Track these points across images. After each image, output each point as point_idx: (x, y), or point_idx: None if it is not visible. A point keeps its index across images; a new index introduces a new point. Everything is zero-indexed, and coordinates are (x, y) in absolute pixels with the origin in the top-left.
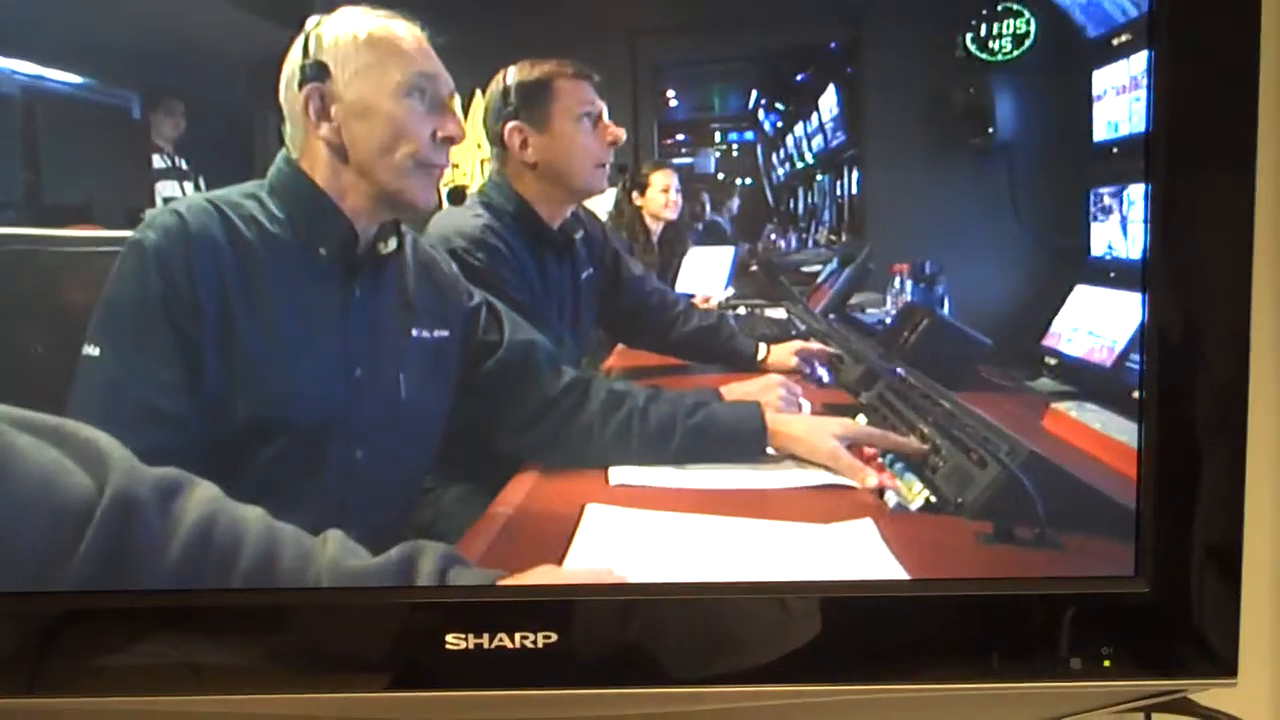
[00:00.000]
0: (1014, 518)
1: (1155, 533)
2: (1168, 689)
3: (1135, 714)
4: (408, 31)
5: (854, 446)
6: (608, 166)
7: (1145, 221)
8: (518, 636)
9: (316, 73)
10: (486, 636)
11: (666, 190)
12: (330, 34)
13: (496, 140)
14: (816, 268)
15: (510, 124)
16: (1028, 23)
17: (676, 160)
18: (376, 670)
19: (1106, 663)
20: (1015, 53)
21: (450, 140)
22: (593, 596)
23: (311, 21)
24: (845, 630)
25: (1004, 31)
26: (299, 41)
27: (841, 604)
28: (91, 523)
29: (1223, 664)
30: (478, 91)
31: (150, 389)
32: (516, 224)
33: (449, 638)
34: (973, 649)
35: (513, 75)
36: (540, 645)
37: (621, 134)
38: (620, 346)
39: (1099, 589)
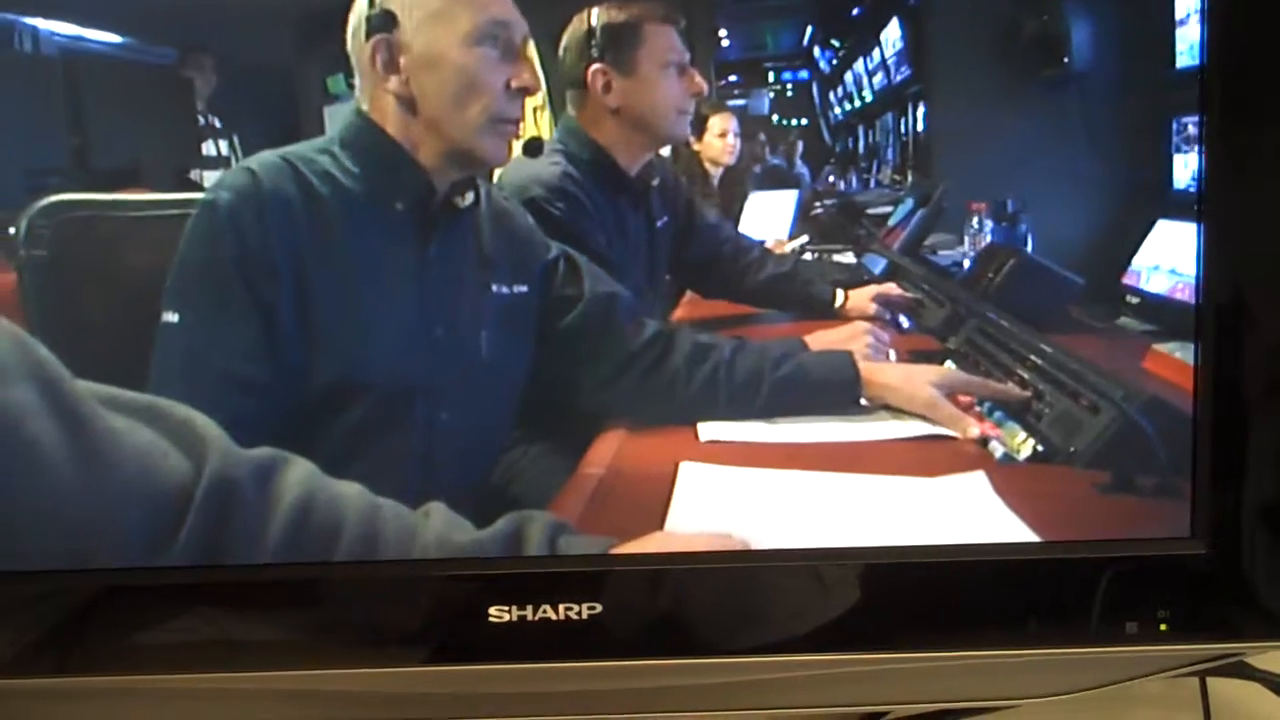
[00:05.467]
0: (1133, 466)
1: (1212, 493)
2: (1225, 652)
3: (1189, 679)
4: None
5: (951, 395)
6: (689, 116)
7: (1200, 162)
8: (561, 608)
9: (383, 22)
10: (530, 608)
11: (725, 134)
12: None
13: (576, 83)
14: (885, 209)
15: (595, 66)
16: None
17: (730, 102)
18: (419, 644)
19: (1163, 626)
20: None
21: (525, 90)
22: (637, 566)
23: None
24: (892, 598)
25: None
26: None
27: (886, 571)
28: (191, 506)
29: None
30: (530, 41)
31: (231, 354)
32: (593, 172)
33: (492, 610)
34: (1028, 614)
35: (598, 16)
36: (585, 616)
37: (705, 86)
38: (689, 296)
39: (1155, 551)
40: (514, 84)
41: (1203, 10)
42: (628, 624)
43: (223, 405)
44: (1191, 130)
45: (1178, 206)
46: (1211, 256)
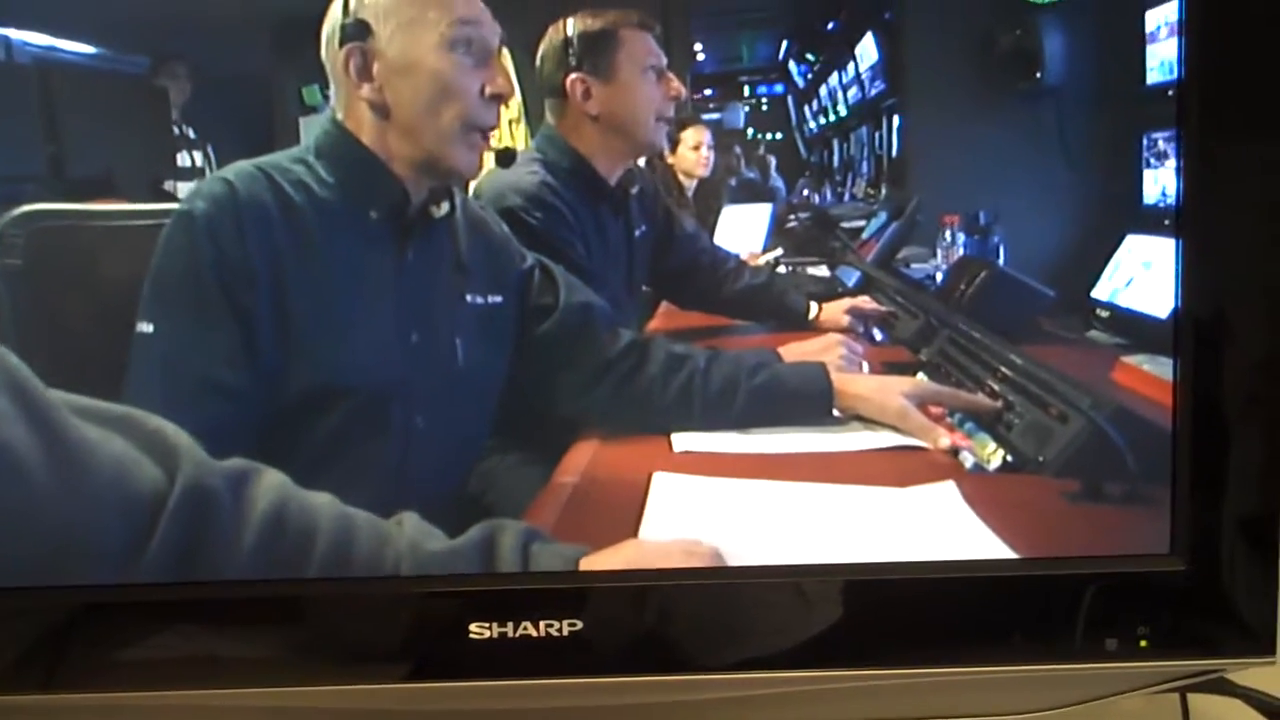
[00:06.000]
0: (1101, 474)
1: (1191, 510)
2: (1205, 669)
3: (1170, 695)
4: None
5: (923, 405)
6: (669, 123)
7: (1178, 177)
8: (542, 624)
9: (357, 31)
10: (511, 625)
11: (698, 147)
12: None
13: (555, 92)
14: (859, 223)
15: (573, 75)
16: None
17: (705, 115)
18: (399, 661)
19: (1143, 643)
20: None
21: (499, 97)
22: (617, 583)
23: None
24: (872, 615)
25: None
26: None
27: (866, 587)
28: (164, 515)
29: (1261, 643)
30: (504, 49)
31: (209, 361)
32: (572, 180)
33: (473, 626)
34: (1008, 631)
35: (574, 25)
36: (565, 633)
37: (683, 90)
38: (664, 307)
39: (1133, 567)
40: (488, 90)
41: (1180, 24)
42: (608, 640)
43: (200, 412)
44: (1162, 145)
45: (1147, 221)
46: (1190, 271)
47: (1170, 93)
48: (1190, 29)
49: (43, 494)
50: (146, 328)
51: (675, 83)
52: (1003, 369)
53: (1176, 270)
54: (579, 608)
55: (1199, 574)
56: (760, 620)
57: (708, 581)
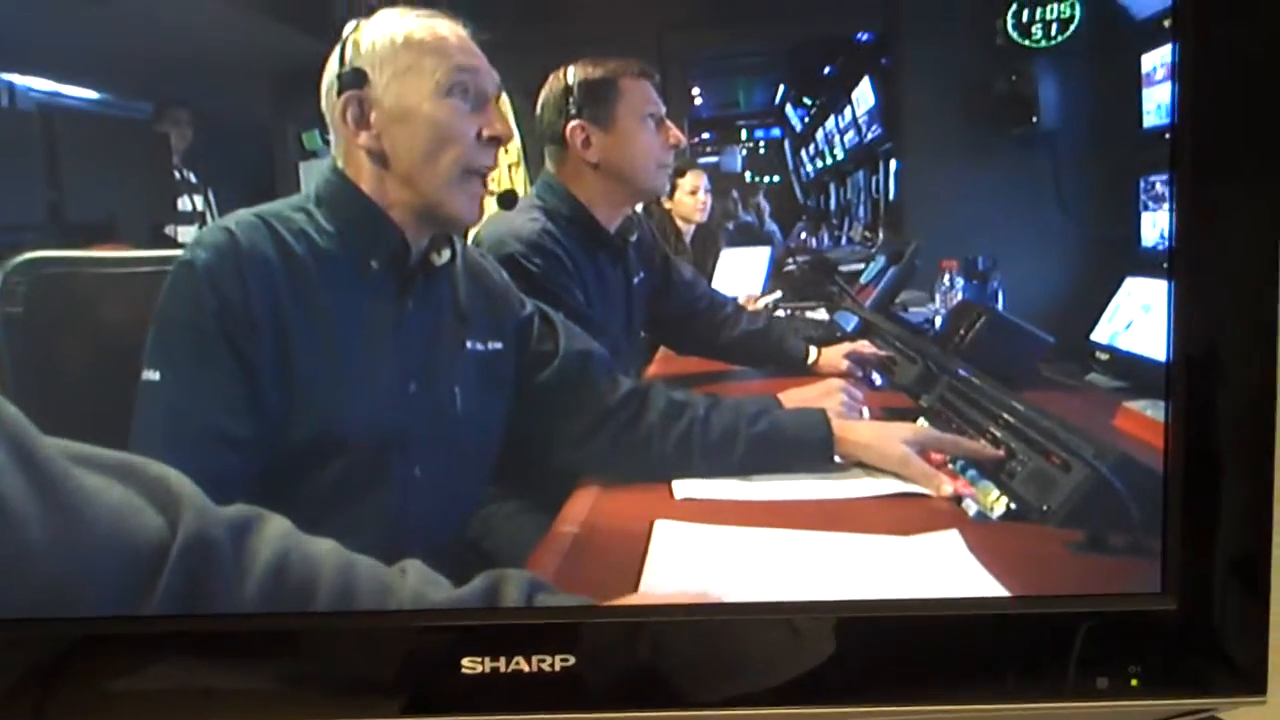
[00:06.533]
0: (1105, 524)
1: (1182, 549)
2: (1196, 707)
3: None
4: (448, 29)
5: (924, 452)
6: (669, 168)
7: (1170, 218)
8: (534, 659)
9: (354, 80)
10: (503, 660)
11: (695, 192)
12: (367, 39)
13: (555, 139)
14: (857, 266)
15: (573, 123)
16: (1072, 6)
17: (702, 159)
18: (392, 695)
19: (1134, 682)
20: (1059, 37)
21: (496, 140)
22: (608, 619)
23: (349, 27)
24: (864, 653)
25: (1047, 16)
26: (336, 49)
27: (859, 625)
28: (166, 564)
29: (1252, 682)
30: (503, 94)
31: (214, 410)
32: (572, 227)
33: (465, 661)
34: (1000, 669)
35: (574, 74)
36: (557, 668)
37: (683, 138)
38: (662, 353)
39: (1125, 606)
40: (485, 133)
41: (1172, 68)
42: (600, 676)
43: (205, 461)
44: (1160, 189)
45: (1146, 264)
46: (1182, 313)
47: (1166, 136)
48: (1183, 73)
49: (39, 544)
50: (153, 375)
51: (675, 131)
52: (1004, 415)
53: (1169, 312)
54: (571, 643)
55: (1190, 613)
56: (752, 656)
57: (699, 618)
